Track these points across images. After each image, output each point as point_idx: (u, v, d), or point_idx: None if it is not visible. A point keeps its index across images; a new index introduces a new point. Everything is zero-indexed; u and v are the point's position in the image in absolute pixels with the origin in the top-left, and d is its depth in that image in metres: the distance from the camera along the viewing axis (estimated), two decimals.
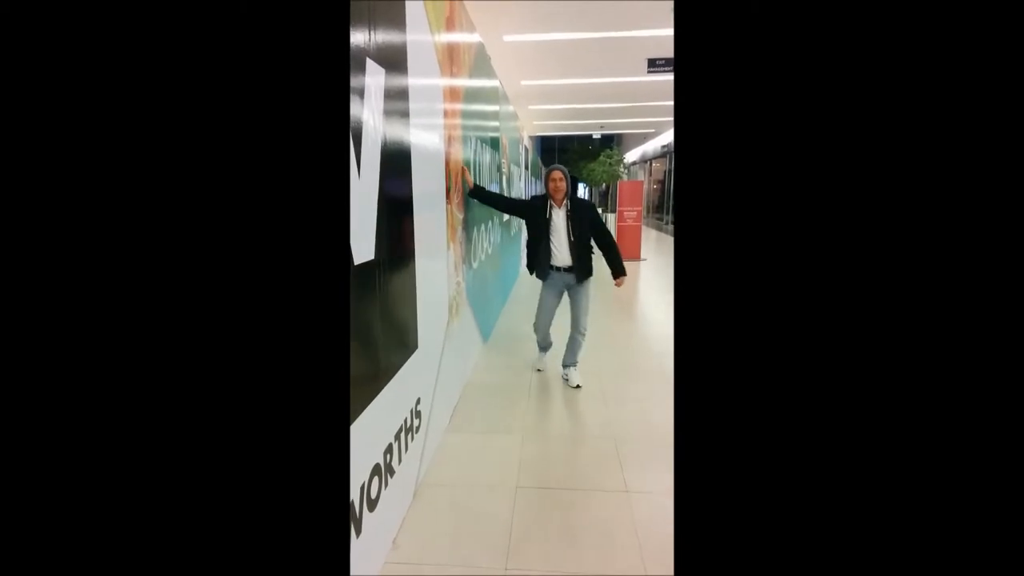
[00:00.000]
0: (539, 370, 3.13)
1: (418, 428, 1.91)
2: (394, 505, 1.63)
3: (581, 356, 2.97)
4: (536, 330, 3.03)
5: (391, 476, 1.60)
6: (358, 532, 1.33)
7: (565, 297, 2.95)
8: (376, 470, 1.47)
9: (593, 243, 2.84)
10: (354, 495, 1.31)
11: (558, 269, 2.83)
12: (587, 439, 2.31)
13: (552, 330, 3.04)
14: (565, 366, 3.01)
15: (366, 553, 1.40)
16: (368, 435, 1.41)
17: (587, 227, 2.79)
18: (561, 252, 2.80)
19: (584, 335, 2.91)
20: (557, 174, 2.78)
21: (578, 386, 2.88)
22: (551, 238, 2.80)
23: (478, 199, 2.94)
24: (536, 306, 3.01)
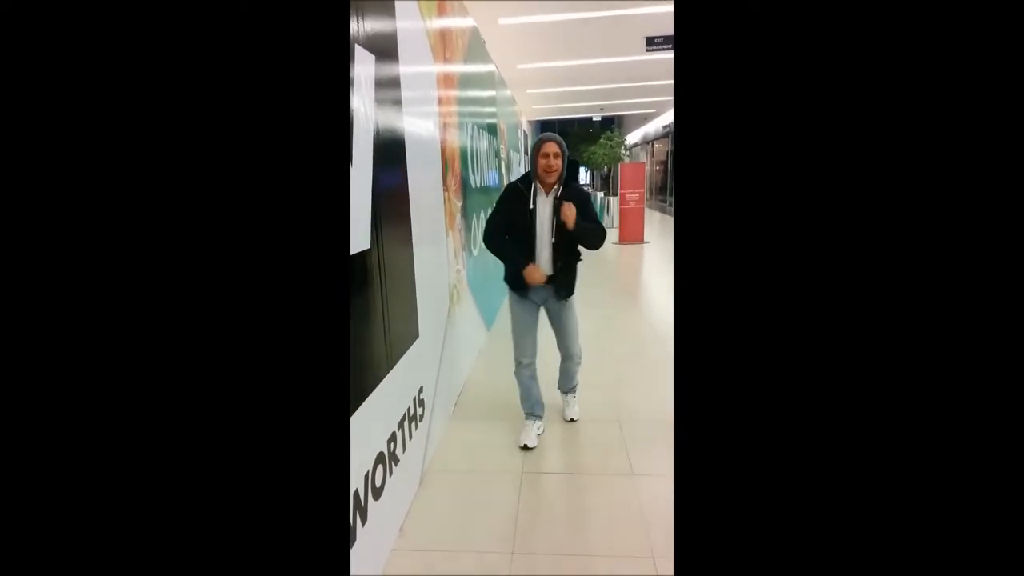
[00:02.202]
0: (526, 447, 2.09)
1: (422, 416, 1.92)
2: (400, 492, 1.65)
3: (579, 375, 2.34)
4: (517, 368, 2.16)
5: (395, 464, 1.61)
6: (363, 520, 1.35)
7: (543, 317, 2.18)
8: (380, 458, 1.48)
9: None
10: (359, 484, 1.32)
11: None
12: (592, 423, 2.31)
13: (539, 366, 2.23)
14: (563, 392, 2.35)
15: (372, 540, 1.41)
16: (370, 424, 1.42)
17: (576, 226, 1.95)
18: (542, 256, 2.00)
19: (579, 360, 2.25)
20: (551, 147, 1.93)
21: (572, 420, 2.29)
22: (536, 237, 1.99)
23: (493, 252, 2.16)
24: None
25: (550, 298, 2.10)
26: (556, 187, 1.98)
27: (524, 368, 2.16)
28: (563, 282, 2.05)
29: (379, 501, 1.46)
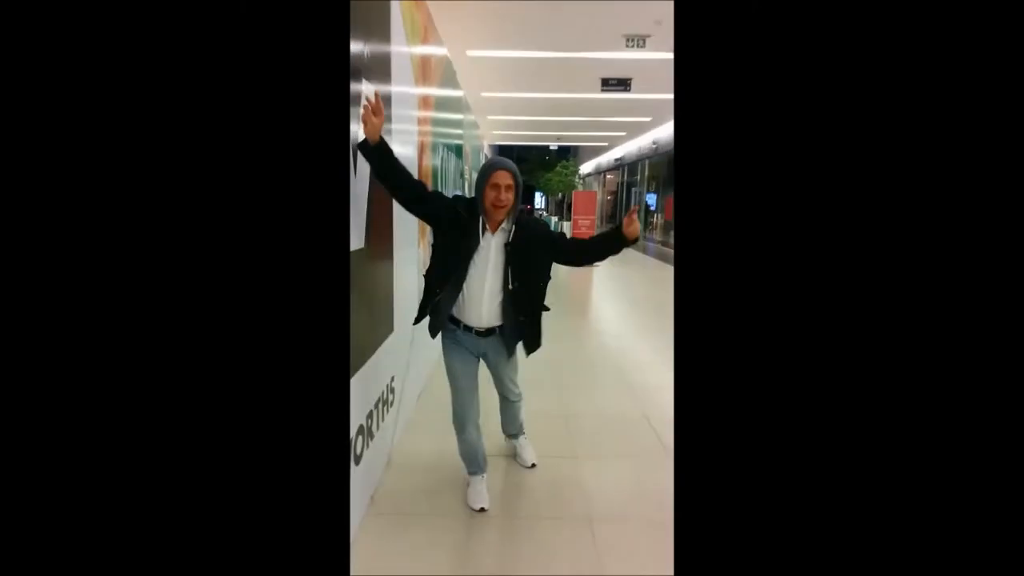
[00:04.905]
0: (481, 508, 1.75)
1: (392, 402, 2.11)
2: (372, 466, 1.83)
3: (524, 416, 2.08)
4: (456, 427, 1.79)
5: (371, 439, 1.79)
6: None
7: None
8: (360, 430, 1.66)
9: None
10: None
11: (469, 330, 1.66)
12: (543, 416, 2.56)
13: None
14: (509, 436, 2.10)
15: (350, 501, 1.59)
16: (353, 400, 1.61)
17: (540, 262, 1.63)
18: (478, 305, 1.61)
19: (521, 400, 1.98)
20: (503, 177, 1.51)
21: (533, 465, 2.04)
22: (467, 278, 1.59)
23: (375, 165, 1.54)
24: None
25: (492, 352, 1.73)
26: (505, 224, 1.58)
27: (473, 429, 1.79)
28: (528, 334, 1.71)
29: (358, 467, 1.64)
